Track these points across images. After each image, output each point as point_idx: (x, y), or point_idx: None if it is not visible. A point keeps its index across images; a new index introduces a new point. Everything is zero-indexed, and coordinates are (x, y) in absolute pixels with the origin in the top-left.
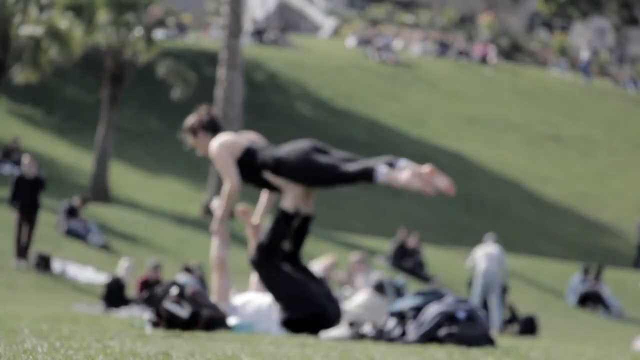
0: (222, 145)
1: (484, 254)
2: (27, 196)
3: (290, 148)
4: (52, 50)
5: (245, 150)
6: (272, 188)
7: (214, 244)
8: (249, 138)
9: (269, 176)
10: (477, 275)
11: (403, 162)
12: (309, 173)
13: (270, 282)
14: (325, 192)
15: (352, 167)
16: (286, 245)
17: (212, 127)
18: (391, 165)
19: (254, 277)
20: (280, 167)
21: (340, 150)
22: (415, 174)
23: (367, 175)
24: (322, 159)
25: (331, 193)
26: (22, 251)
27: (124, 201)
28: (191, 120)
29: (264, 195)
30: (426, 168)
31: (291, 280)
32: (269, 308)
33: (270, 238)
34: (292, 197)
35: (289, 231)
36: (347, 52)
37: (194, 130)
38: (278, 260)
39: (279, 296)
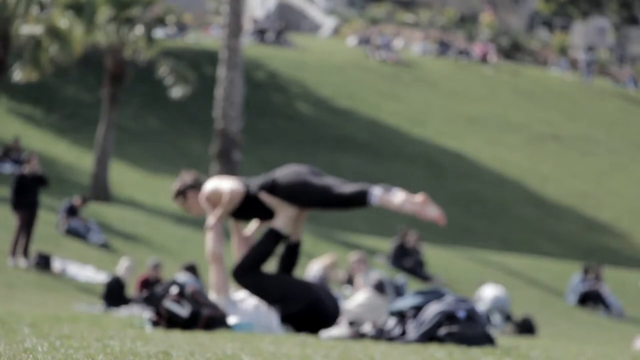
0: (213, 181)
1: (492, 292)
2: (30, 195)
3: (287, 170)
4: (53, 49)
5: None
6: (267, 216)
7: (209, 238)
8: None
9: (264, 197)
10: (485, 303)
11: (397, 190)
12: (305, 193)
13: (258, 289)
14: None
15: (347, 188)
16: (277, 270)
17: (198, 185)
18: (386, 190)
19: None
20: (277, 187)
21: (334, 177)
22: (409, 200)
23: (361, 197)
24: (318, 180)
25: None
26: (19, 250)
27: (124, 200)
28: (176, 185)
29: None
30: (419, 197)
31: (278, 279)
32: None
33: (256, 254)
34: (284, 218)
35: (274, 251)
36: (347, 51)
37: (183, 193)
38: (260, 270)
39: (272, 299)
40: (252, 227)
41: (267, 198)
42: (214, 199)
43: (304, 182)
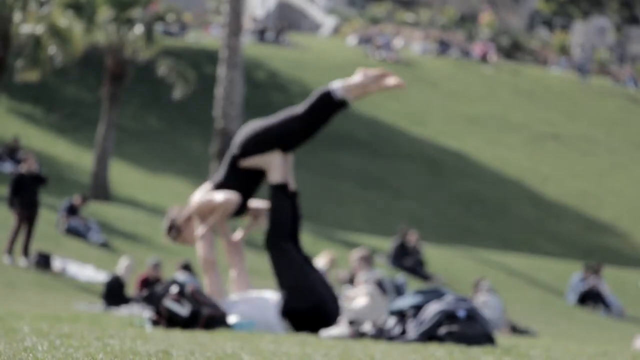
0: (199, 194)
1: (485, 299)
2: (29, 194)
3: (244, 131)
4: (53, 49)
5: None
6: (259, 180)
7: (200, 246)
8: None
9: (245, 163)
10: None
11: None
12: (279, 133)
13: (279, 268)
14: (328, 190)
15: (308, 103)
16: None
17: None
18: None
19: (233, 273)
20: (248, 146)
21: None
22: (368, 76)
23: (327, 100)
24: (276, 118)
25: (333, 192)
26: (16, 248)
27: (124, 199)
28: (166, 223)
29: (251, 217)
30: (375, 71)
31: (299, 270)
32: (267, 302)
33: (276, 218)
34: (276, 168)
35: (289, 205)
36: (347, 50)
37: (176, 227)
38: (290, 245)
39: (285, 283)
40: (240, 234)
41: (248, 162)
42: (205, 210)
43: (268, 127)
